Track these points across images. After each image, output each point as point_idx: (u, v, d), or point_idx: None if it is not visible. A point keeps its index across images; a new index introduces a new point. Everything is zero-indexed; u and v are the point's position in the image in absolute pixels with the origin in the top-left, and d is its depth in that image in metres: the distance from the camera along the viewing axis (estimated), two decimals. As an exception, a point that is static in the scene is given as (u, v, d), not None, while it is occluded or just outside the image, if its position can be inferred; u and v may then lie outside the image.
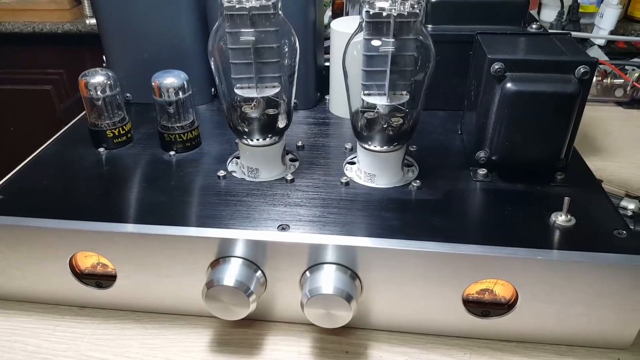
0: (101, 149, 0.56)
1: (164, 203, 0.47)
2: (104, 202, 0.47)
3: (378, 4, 0.43)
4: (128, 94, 0.67)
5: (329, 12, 1.13)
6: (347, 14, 0.70)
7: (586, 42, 0.98)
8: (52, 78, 1.25)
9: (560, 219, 0.44)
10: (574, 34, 0.96)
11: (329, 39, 0.63)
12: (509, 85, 0.45)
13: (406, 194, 0.48)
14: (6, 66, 1.27)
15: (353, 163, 0.55)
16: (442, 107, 0.64)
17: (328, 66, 0.65)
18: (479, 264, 0.40)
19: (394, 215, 0.45)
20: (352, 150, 0.56)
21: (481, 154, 0.50)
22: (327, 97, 0.68)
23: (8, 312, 0.49)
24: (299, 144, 0.57)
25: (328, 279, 0.41)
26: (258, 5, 0.43)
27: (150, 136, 0.59)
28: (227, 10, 0.44)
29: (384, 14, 0.42)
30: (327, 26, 1.13)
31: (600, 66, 0.88)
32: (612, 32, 0.99)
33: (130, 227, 0.44)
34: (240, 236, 0.42)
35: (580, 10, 1.00)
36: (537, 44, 0.49)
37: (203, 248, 0.43)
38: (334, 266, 0.42)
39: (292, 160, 0.55)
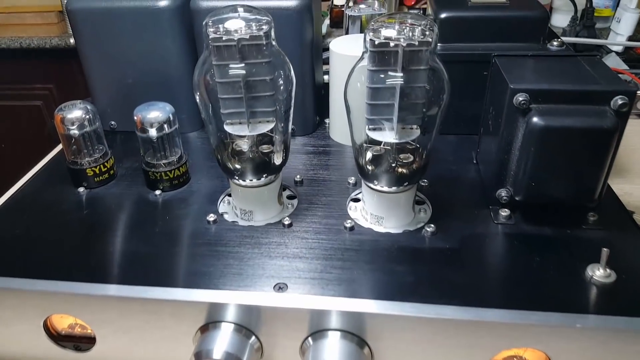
0: (81, 189, 0.51)
1: (148, 256, 0.42)
2: (81, 257, 0.42)
3: (384, 32, 0.37)
4: (113, 122, 0.62)
5: (327, 21, 1.08)
6: (346, 32, 0.64)
7: (602, 49, 0.92)
8: (41, 94, 1.20)
9: (598, 273, 0.38)
10: (589, 40, 0.91)
11: (327, 49, 0.58)
12: (535, 119, 0.39)
13: (419, 240, 0.43)
14: (-4, 82, 1.22)
15: (358, 200, 0.49)
16: (453, 131, 0.58)
17: (327, 83, 0.60)
18: (506, 332, 0.35)
19: (405, 269, 0.40)
20: (357, 185, 0.51)
21: (503, 193, 0.44)
22: (326, 120, 0.63)
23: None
24: (297, 178, 0.51)
25: (333, 349, 0.36)
26: (248, 37, 0.38)
27: (135, 170, 0.54)
28: (213, 42, 0.38)
29: (391, 44, 0.36)
30: (325, 36, 1.08)
31: (619, 75, 0.82)
32: (630, 38, 0.93)
33: (109, 289, 0.39)
34: (232, 300, 0.37)
35: (595, 14, 0.94)
36: (564, 69, 0.43)
37: (190, 313, 0.38)
38: (339, 333, 0.37)
39: (289, 197, 0.50)
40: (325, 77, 0.66)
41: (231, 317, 0.38)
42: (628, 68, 0.83)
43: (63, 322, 0.43)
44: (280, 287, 0.38)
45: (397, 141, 0.41)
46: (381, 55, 0.38)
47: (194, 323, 0.38)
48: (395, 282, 0.38)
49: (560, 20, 1.03)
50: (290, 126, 0.46)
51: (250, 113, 0.42)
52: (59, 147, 0.58)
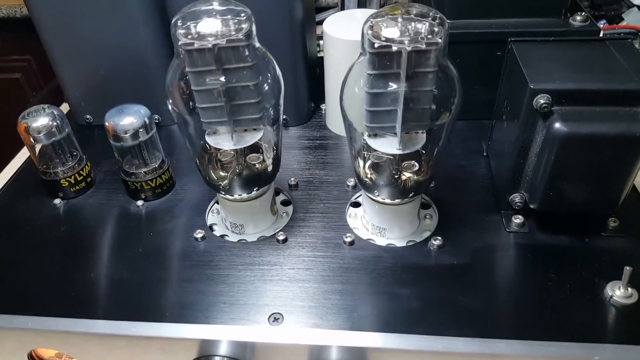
0: (57, 200, 0.47)
1: (132, 284, 0.39)
2: (61, 286, 0.39)
3: (384, 33, 0.32)
4: (88, 116, 0.57)
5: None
6: (342, 4, 0.57)
7: (623, 2, 0.84)
8: (19, 65, 1.13)
9: (619, 293, 0.35)
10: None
11: (322, 9, 0.51)
12: (557, 125, 0.34)
13: (425, 255, 0.39)
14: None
15: (358, 205, 0.45)
16: (461, 117, 0.53)
17: (322, 57, 0.53)
18: (522, 367, 0.32)
19: (410, 292, 0.36)
20: (356, 187, 0.46)
21: (517, 198, 0.40)
22: (322, 106, 0.58)
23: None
24: (292, 181, 0.47)
25: (334, 387, 0.33)
26: (224, 42, 0.32)
27: (115, 175, 0.49)
28: (184, 47, 0.33)
29: (394, 48, 0.31)
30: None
31: (641, 35, 0.75)
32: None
33: (92, 325, 0.36)
34: (224, 336, 0.34)
35: (615, -38, 0.85)
36: (592, 60, 0.37)
37: (180, 349, 0.35)
38: (340, 369, 0.34)
39: (284, 203, 0.46)
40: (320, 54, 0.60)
41: (224, 351, 0.35)
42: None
43: (49, 351, 0.40)
44: (275, 318, 0.35)
45: (400, 152, 0.36)
46: (382, 58, 0.32)
47: (185, 357, 0.36)
48: (399, 309, 0.35)
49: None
50: (282, 136, 0.41)
51: (234, 122, 0.37)
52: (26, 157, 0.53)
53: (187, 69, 0.34)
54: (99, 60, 0.52)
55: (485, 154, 0.49)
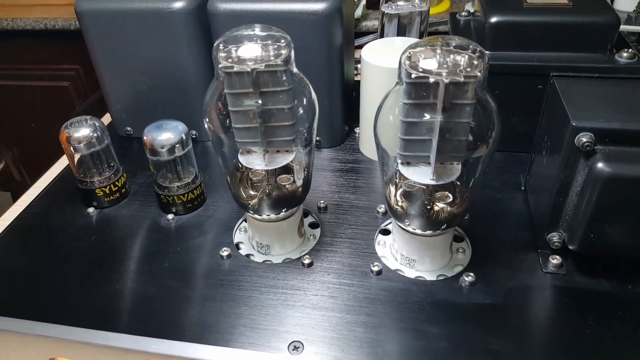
0: (91, 209, 0.48)
1: (155, 300, 0.39)
2: (86, 298, 0.39)
3: (422, 64, 0.31)
4: (129, 128, 0.59)
5: (363, 2, 0.99)
6: (381, 32, 0.57)
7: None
8: (68, 74, 1.18)
9: (665, 347, 0.33)
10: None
11: (361, 34, 0.51)
12: (600, 166, 0.33)
13: (456, 292, 0.38)
14: (23, 62, 1.21)
15: (387, 232, 0.44)
16: (499, 148, 0.52)
17: (358, 81, 0.53)
18: (554, 421, 0.30)
19: (439, 331, 0.35)
20: (386, 214, 0.46)
21: (555, 238, 0.39)
22: (356, 129, 0.57)
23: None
24: (321, 204, 0.47)
25: (352, 423, 0.32)
26: (263, 66, 0.33)
27: (149, 187, 0.50)
28: (224, 70, 0.33)
29: (431, 79, 0.30)
30: (361, 19, 1.00)
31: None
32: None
33: (112, 339, 0.36)
34: (242, 361, 0.34)
35: (666, -4, 0.82)
36: (637, 98, 0.36)
37: (198, 369, 0.35)
38: (360, 405, 0.33)
39: (312, 225, 0.46)
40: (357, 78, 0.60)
41: (242, 377, 0.34)
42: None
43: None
44: (295, 347, 0.35)
45: (434, 183, 0.35)
46: (418, 89, 0.32)
47: (202, 378, 0.35)
48: (426, 348, 0.34)
49: (624, 3, 0.91)
50: (313, 160, 0.41)
51: (267, 143, 0.37)
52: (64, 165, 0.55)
53: (225, 91, 0.35)
54: (142, 76, 0.54)
55: (523, 188, 0.47)
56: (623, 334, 0.34)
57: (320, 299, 0.38)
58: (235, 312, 0.37)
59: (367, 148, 0.54)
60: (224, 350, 0.34)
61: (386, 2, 0.56)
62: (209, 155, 0.56)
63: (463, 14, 0.56)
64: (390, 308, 0.37)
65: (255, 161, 0.38)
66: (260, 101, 0.35)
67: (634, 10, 0.82)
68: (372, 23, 1.00)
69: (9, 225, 0.47)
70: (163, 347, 0.35)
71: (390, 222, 0.45)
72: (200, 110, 0.53)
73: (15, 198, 0.53)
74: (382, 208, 0.46)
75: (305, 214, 0.47)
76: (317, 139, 0.55)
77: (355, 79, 0.60)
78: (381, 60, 0.47)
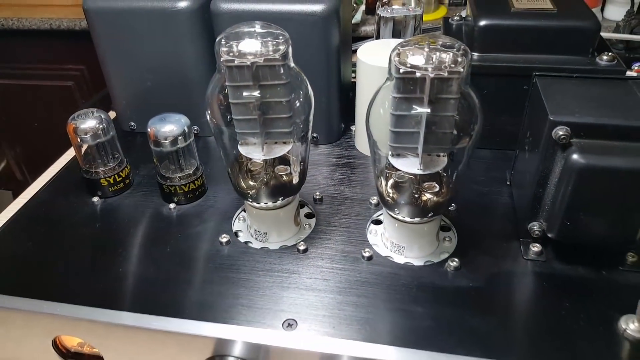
0: (95, 198, 0.50)
1: (157, 280, 0.41)
2: (91, 279, 0.41)
3: (410, 60, 0.34)
4: (132, 123, 0.61)
5: (362, 7, 1.02)
6: (377, 34, 0.60)
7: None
8: (72, 74, 1.21)
9: (632, 327, 0.35)
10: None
11: (359, 39, 0.54)
12: (575, 157, 0.35)
13: (441, 276, 0.40)
14: (28, 62, 1.23)
15: (379, 222, 0.47)
16: (487, 146, 0.55)
17: (354, 82, 0.56)
18: (529, 392, 0.33)
19: (425, 310, 0.37)
20: (378, 205, 0.48)
21: (535, 227, 0.41)
22: (352, 127, 0.60)
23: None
24: (317, 195, 0.49)
25: (341, 395, 0.34)
26: (262, 61, 0.35)
27: (152, 178, 0.52)
28: (225, 64, 0.36)
29: (418, 74, 0.33)
30: (360, 24, 1.03)
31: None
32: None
33: (116, 316, 0.38)
34: (239, 337, 0.36)
35: (653, 6, 0.85)
36: (613, 98, 0.38)
37: (197, 346, 0.37)
38: (349, 378, 0.35)
39: (307, 215, 0.48)
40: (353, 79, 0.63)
41: (238, 352, 0.37)
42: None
43: (72, 340, 0.43)
44: (289, 324, 0.37)
45: (421, 172, 0.38)
46: (407, 84, 0.34)
47: (200, 355, 0.37)
48: (412, 326, 0.36)
49: (614, 13, 0.94)
50: (309, 150, 0.43)
51: (266, 134, 0.40)
52: (70, 157, 0.58)
53: (226, 83, 0.37)
54: (146, 72, 0.56)
55: (508, 183, 0.50)
56: (596, 315, 0.36)
57: (314, 281, 0.40)
58: (233, 293, 0.39)
59: (363, 144, 0.57)
60: (222, 326, 0.37)
61: (382, 6, 0.58)
62: (210, 150, 0.58)
63: (455, 18, 0.59)
64: (379, 290, 0.39)
65: (254, 152, 0.41)
66: (258, 93, 0.37)
67: (623, 19, 0.85)
68: (370, 28, 1.03)
69: (15, 213, 0.49)
70: (164, 324, 0.37)
71: (382, 213, 0.47)
72: (202, 106, 0.56)
73: (16, 197, 0.55)
74: (374, 200, 0.48)
75: (302, 205, 0.49)
76: (315, 135, 0.57)
77: (352, 80, 0.63)
78: (376, 60, 0.50)
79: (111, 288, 0.40)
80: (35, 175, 0.58)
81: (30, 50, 1.20)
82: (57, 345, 0.42)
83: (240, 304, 0.38)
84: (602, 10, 0.98)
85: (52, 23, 1.09)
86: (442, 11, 1.13)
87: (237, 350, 0.37)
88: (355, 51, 0.57)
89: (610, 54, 0.47)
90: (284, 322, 0.37)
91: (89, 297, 0.39)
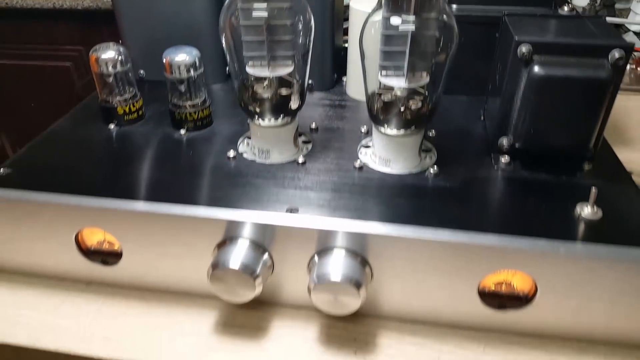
0: (111, 126, 0.55)
1: (172, 182, 0.46)
2: (111, 179, 0.47)
3: (399, -21, 0.40)
4: (142, 71, 0.66)
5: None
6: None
7: (621, 28, 0.93)
8: (71, 55, 1.25)
9: (586, 210, 0.41)
10: (608, 19, 0.92)
11: (348, 19, 0.61)
12: (536, 69, 0.42)
13: (422, 180, 0.46)
14: (26, 42, 1.27)
15: (368, 147, 0.53)
16: (465, 92, 0.61)
17: (346, 47, 0.63)
18: (496, 255, 0.38)
19: (408, 202, 0.43)
20: (368, 133, 0.54)
21: (504, 141, 0.47)
22: (344, 78, 0.66)
23: (14, 285, 0.49)
24: (313, 126, 0.55)
25: (337, 265, 0.39)
26: (271, -20, 0.41)
27: (162, 114, 0.58)
28: (239, -16, 0.42)
29: (405, -12, 0.39)
30: (347, 6, 1.10)
31: (635, 53, 0.84)
32: (648, 19, 0.94)
33: (136, 205, 0.43)
34: (248, 218, 0.41)
35: (615, -5, 0.95)
36: (569, 27, 0.45)
37: (210, 229, 0.42)
38: (343, 251, 0.40)
39: (305, 142, 0.54)
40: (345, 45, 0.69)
41: (247, 235, 0.42)
42: (643, 47, 0.84)
43: (92, 238, 0.47)
44: (292, 210, 0.42)
45: (407, 86, 0.44)
46: (395, 2, 0.41)
47: (212, 239, 0.42)
48: (397, 212, 0.42)
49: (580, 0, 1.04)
50: (308, 72, 0.49)
51: (271, 56, 0.46)
52: (88, 97, 0.63)
53: (239, 5, 0.43)
54: (158, 22, 0.62)
55: (482, 118, 0.56)
56: (555, 205, 0.43)
57: (312, 184, 0.46)
58: (241, 191, 0.45)
59: (354, 91, 0.63)
60: (232, 211, 0.42)
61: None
62: (214, 95, 0.63)
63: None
64: (368, 189, 0.45)
65: (260, 71, 0.46)
66: (266, 13, 0.43)
67: (588, 4, 0.94)
68: None
69: (37, 138, 0.54)
70: (180, 210, 0.42)
71: (371, 140, 0.53)
72: (209, 57, 0.61)
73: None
74: (364, 128, 0.54)
75: (300, 134, 0.54)
76: (310, 82, 0.63)
77: (345, 45, 0.69)
78: (368, 7, 0.56)
79: (129, 186, 0.45)
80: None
81: (32, 30, 1.24)
82: (78, 243, 0.46)
83: (248, 197, 0.44)
84: (569, -1, 1.08)
85: (55, 2, 1.14)
86: None
87: (246, 233, 0.42)
88: (347, 6, 0.63)
89: (570, 5, 0.55)
90: (287, 209, 0.42)
91: (111, 192, 0.44)
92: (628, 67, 0.83)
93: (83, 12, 1.14)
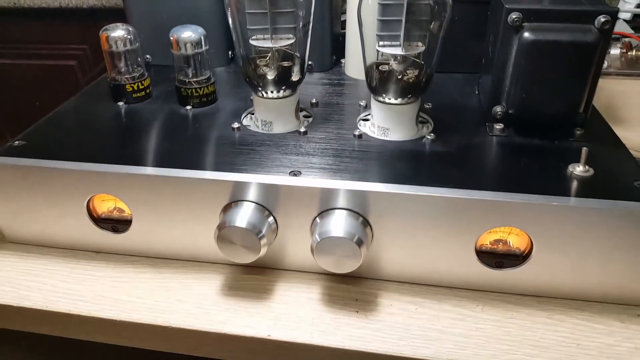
0: (120, 103, 0.57)
1: (180, 150, 0.48)
2: (121, 148, 0.49)
3: (394, -51, 0.43)
4: (148, 56, 0.68)
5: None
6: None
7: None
8: (76, 54, 1.27)
9: (578, 169, 0.43)
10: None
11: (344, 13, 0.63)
12: (526, 35, 0.44)
13: (420, 146, 0.48)
14: (31, 42, 1.29)
15: (367, 120, 0.54)
16: (460, 70, 0.63)
17: (345, 33, 0.65)
18: (492, 211, 0.40)
19: (406, 165, 0.45)
20: (367, 107, 0.56)
21: (498, 109, 0.49)
22: (342, 60, 0.68)
23: (26, 254, 0.50)
24: (313, 101, 0.57)
25: (339, 223, 0.41)
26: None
27: (168, 94, 0.60)
28: (243, -43, 0.44)
29: (400, -43, 0.42)
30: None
31: (625, 39, 0.86)
32: (638, 6, 0.96)
33: (145, 170, 0.44)
34: (253, 180, 0.43)
35: (606, -16, 0.97)
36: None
37: (216, 191, 0.44)
38: (345, 211, 0.42)
39: (306, 116, 0.56)
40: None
41: (252, 197, 0.43)
42: (634, 33, 0.86)
43: (103, 206, 0.49)
44: (295, 173, 0.44)
45: (403, 54, 0.46)
46: (391, -29, 0.43)
47: (219, 202, 0.44)
48: (397, 174, 0.44)
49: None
50: (308, 46, 0.51)
51: (274, 29, 0.48)
52: (98, 79, 0.65)
53: (243, -22, 0.45)
54: (164, 7, 0.64)
55: (477, 92, 0.58)
56: (548, 165, 0.44)
57: (314, 150, 0.48)
58: (245, 157, 0.46)
59: (353, 70, 0.65)
60: (237, 174, 0.43)
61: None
62: (217, 77, 0.65)
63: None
64: (368, 154, 0.47)
65: (264, 43, 0.48)
66: (270, -14, 0.45)
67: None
68: None
69: (49, 115, 0.56)
70: (188, 173, 0.44)
71: (370, 113, 0.55)
72: (213, 42, 0.63)
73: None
74: (363, 102, 0.56)
75: (301, 109, 0.56)
76: (310, 63, 0.65)
77: (342, 30, 0.71)
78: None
79: (139, 155, 0.47)
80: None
81: (36, 30, 1.26)
82: (89, 211, 0.48)
83: (253, 162, 0.45)
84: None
85: (61, 1, 1.16)
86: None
87: (251, 195, 0.43)
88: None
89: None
90: (290, 172, 0.44)
91: (121, 160, 0.46)
92: (618, 51, 0.85)
93: (89, 10, 1.17)
